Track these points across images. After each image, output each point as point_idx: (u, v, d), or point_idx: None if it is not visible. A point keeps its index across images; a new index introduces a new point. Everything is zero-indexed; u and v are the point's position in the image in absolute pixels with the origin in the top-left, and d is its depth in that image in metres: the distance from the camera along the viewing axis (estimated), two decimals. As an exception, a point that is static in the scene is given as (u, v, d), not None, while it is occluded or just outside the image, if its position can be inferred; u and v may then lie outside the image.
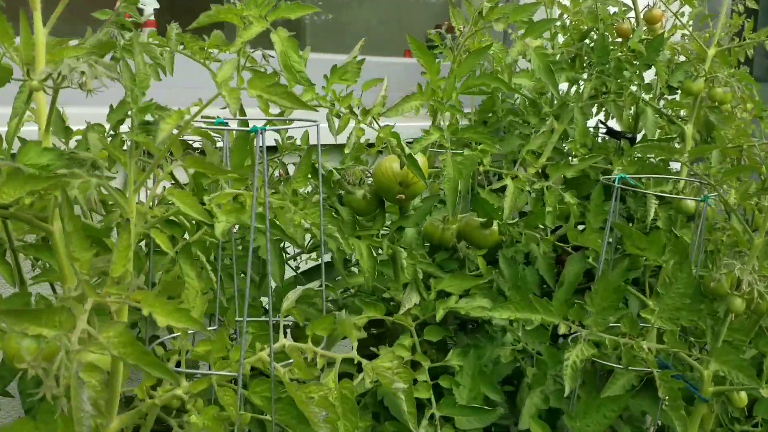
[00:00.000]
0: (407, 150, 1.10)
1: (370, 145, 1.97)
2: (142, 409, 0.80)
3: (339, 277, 1.48)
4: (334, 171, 1.37)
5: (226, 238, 0.86)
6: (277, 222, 0.93)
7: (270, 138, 1.38)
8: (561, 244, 1.56)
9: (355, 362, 0.92)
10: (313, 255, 1.49)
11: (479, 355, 1.36)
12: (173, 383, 0.80)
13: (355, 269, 1.52)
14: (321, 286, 1.01)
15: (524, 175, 1.36)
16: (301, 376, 0.86)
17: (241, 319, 1.03)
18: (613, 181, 1.30)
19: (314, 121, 0.94)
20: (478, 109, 1.89)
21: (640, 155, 1.66)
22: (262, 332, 1.04)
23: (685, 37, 1.81)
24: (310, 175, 1.34)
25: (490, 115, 1.85)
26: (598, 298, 1.08)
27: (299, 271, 1.62)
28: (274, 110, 1.03)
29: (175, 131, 0.68)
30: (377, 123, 1.12)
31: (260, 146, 0.87)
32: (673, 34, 1.78)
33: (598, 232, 1.45)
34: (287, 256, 1.53)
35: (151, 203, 0.78)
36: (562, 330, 1.09)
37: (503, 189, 1.47)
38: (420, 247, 1.55)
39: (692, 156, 1.34)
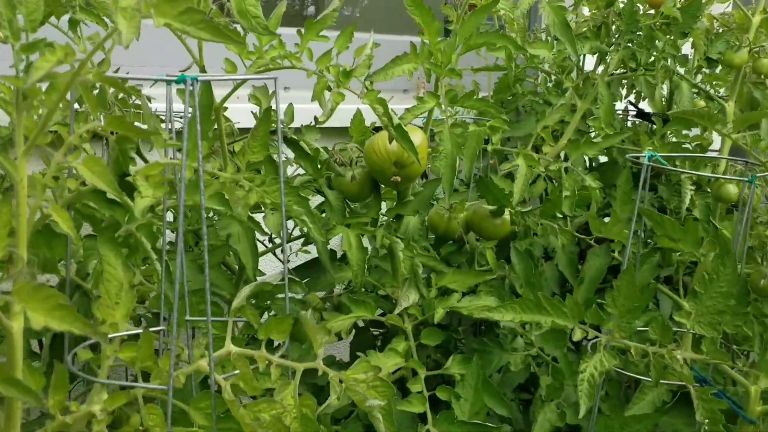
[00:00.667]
0: (396, 121, 0.93)
1: (378, 129, 1.80)
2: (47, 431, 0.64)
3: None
4: (321, 150, 1.20)
5: (143, 216, 0.70)
6: (229, 202, 0.77)
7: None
8: (583, 236, 1.37)
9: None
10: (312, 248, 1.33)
11: (485, 362, 1.18)
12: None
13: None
14: (284, 279, 0.84)
15: (537, 155, 1.18)
16: (248, 391, 0.69)
17: (197, 318, 0.87)
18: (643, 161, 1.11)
19: (271, 77, 0.77)
20: (494, 89, 1.71)
21: (674, 137, 1.47)
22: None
23: (726, 12, 1.62)
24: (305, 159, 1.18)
25: (510, 98, 1.66)
26: (623, 297, 0.90)
27: (292, 267, 1.46)
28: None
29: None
30: (364, 87, 0.95)
31: (201, 103, 0.70)
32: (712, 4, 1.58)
33: (625, 223, 1.26)
34: (273, 245, 1.37)
35: (55, 172, 0.62)
36: (577, 336, 0.91)
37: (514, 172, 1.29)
38: (423, 239, 1.38)
39: (737, 127, 1.14)
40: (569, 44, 1.06)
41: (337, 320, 1.13)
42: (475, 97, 0.97)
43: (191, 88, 0.67)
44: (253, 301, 1.03)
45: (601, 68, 1.48)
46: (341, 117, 1.96)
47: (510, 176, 1.51)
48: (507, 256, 1.38)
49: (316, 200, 2.02)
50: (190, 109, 0.70)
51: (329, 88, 0.96)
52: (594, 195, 1.17)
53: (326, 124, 1.45)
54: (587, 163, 1.36)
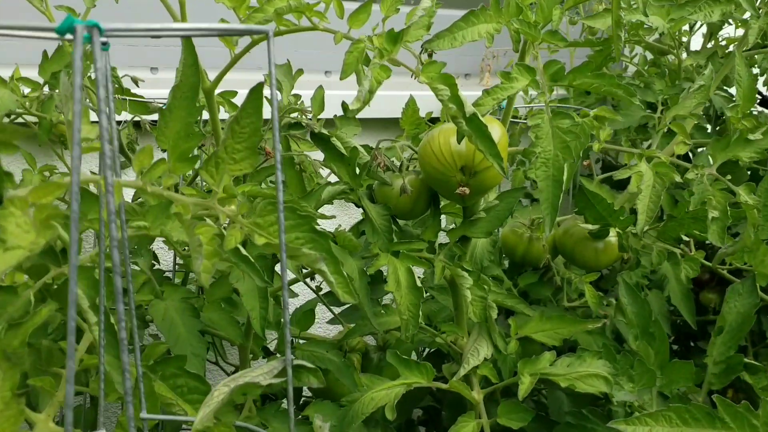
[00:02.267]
0: (470, 109, 0.60)
1: (434, 120, 1.46)
2: None
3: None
4: (361, 150, 0.88)
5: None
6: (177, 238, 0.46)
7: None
8: (719, 267, 1.02)
9: None
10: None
11: (588, 449, 0.84)
12: None
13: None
14: (284, 375, 0.51)
15: (667, 157, 0.82)
16: None
17: (155, 417, 0.56)
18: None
19: (264, 29, 0.45)
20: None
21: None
22: None
23: None
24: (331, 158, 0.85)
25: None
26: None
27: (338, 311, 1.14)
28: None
29: None
30: (418, 60, 0.62)
31: (109, 67, 0.39)
32: None
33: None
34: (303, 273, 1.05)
35: None
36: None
37: (621, 180, 0.94)
38: (495, 265, 1.05)
39: None
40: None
41: (380, 388, 0.80)
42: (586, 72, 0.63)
43: (90, 45, 0.36)
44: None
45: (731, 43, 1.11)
46: (387, 105, 1.63)
47: (610, 182, 1.16)
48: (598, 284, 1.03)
49: (353, 214, 1.70)
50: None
51: (368, 61, 0.64)
52: (751, 215, 0.82)
53: (367, 115, 1.13)
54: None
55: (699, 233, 0.97)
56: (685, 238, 1.00)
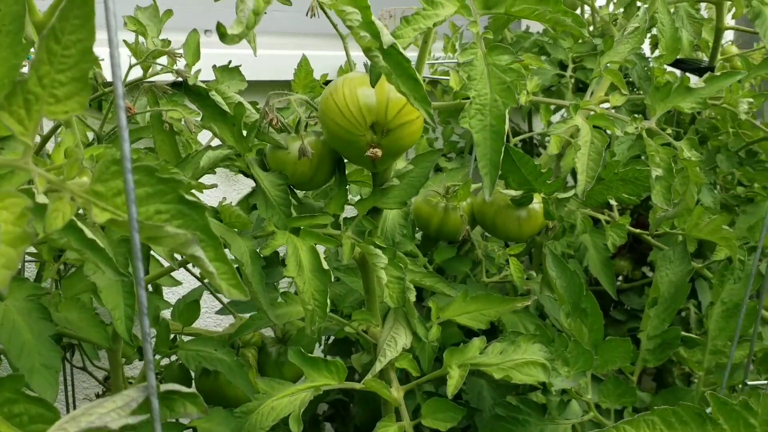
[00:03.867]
0: (388, 39, 0.47)
1: (329, 82, 1.30)
2: None
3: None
4: (249, 107, 0.72)
5: None
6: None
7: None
8: (643, 233, 0.94)
9: None
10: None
11: (521, 443, 0.74)
12: None
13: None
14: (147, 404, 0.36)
15: (603, 110, 0.72)
16: None
17: None
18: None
19: None
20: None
21: None
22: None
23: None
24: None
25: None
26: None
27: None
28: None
29: None
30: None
31: None
32: None
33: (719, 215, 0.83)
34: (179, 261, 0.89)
35: None
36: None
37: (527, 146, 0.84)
38: (408, 240, 0.93)
39: None
40: None
41: (282, 395, 0.66)
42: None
43: None
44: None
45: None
46: (276, 65, 1.46)
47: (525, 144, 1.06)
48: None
49: (240, 188, 1.53)
50: None
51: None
52: (694, 174, 0.73)
53: (254, 76, 0.97)
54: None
55: (627, 196, 0.88)
56: (613, 203, 0.92)
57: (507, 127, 0.50)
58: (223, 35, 0.41)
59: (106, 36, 0.35)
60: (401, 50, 0.47)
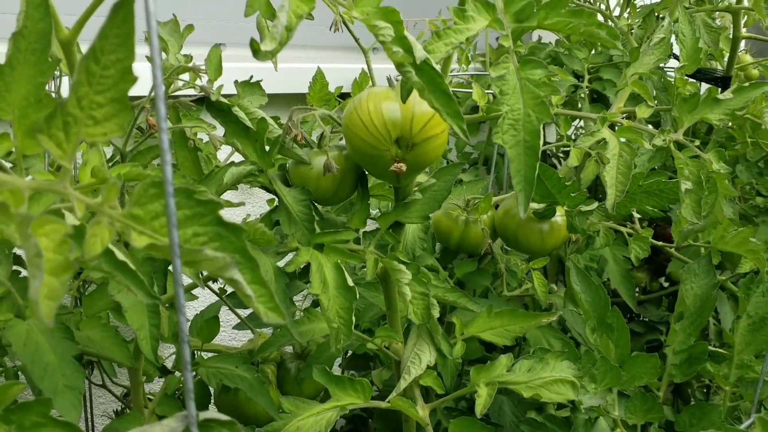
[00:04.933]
0: (421, 54, 0.46)
1: (344, 96, 1.32)
2: None
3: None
4: (269, 120, 0.72)
5: None
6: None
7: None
8: (667, 246, 0.93)
9: None
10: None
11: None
12: None
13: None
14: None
15: (630, 122, 0.71)
16: None
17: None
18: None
19: None
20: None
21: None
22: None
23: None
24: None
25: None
26: None
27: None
28: None
29: None
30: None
31: None
32: None
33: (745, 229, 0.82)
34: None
35: None
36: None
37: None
38: (428, 254, 0.92)
39: None
40: None
41: (308, 414, 0.65)
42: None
43: None
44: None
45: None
46: (291, 79, 1.46)
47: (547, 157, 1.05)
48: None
49: (257, 202, 1.52)
50: None
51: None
52: (722, 186, 0.72)
53: (269, 89, 0.97)
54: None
55: (651, 209, 0.87)
56: (636, 215, 0.91)
57: (542, 142, 0.49)
58: (256, 51, 0.40)
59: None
60: (434, 65, 0.46)
